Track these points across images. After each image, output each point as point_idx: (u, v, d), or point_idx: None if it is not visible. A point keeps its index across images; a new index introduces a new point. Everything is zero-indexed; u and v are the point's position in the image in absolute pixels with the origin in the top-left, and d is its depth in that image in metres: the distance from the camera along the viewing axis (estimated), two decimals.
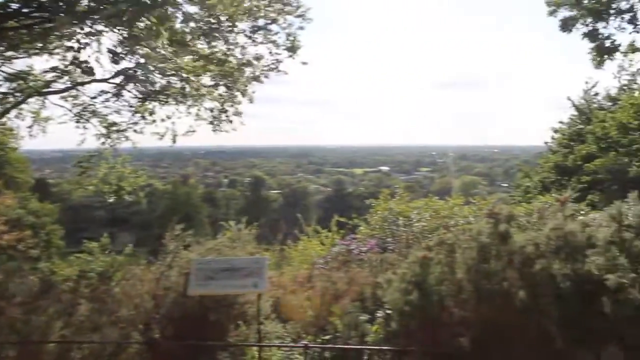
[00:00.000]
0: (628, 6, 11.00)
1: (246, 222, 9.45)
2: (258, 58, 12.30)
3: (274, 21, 11.92)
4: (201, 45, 11.37)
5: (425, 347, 6.34)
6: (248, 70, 12.42)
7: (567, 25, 11.49)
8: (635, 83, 23.78)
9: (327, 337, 7.14)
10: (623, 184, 19.05)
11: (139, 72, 11.61)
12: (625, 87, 25.04)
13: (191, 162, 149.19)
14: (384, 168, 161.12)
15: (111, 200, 14.05)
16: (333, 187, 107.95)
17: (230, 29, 11.37)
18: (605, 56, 11.53)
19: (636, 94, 23.48)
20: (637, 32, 11.17)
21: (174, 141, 12.81)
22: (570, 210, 6.68)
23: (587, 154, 23.14)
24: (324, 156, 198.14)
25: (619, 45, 11.43)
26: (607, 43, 11.41)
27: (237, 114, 13.08)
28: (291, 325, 7.70)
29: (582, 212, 10.52)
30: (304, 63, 12.56)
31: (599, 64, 12.14)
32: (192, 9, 10.69)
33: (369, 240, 11.13)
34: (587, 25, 11.37)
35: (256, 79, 12.58)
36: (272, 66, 12.49)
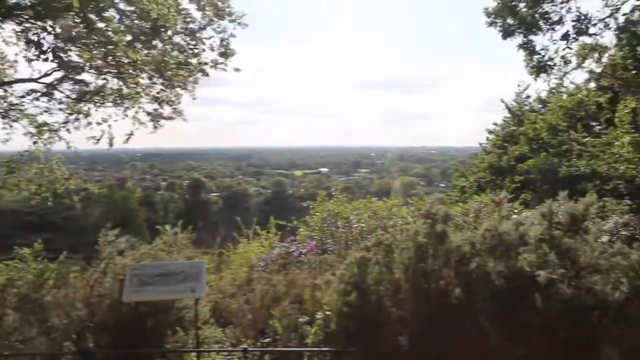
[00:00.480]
0: (557, 18, 11.37)
1: (184, 225, 9.29)
2: (196, 55, 12.11)
3: (208, 25, 11.78)
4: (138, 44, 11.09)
5: (364, 347, 6.39)
6: (186, 69, 12.21)
7: (507, 34, 11.81)
8: (563, 87, 24.74)
9: (267, 340, 7.09)
10: (553, 183, 19.77)
11: (71, 71, 11.24)
12: (554, 91, 26.02)
13: (128, 165, 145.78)
14: (324, 169, 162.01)
15: (34, 202, 13.44)
16: (273, 189, 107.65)
17: (164, 30, 11.14)
18: (541, 71, 11.92)
19: (564, 97, 24.44)
20: (570, 48, 11.56)
21: (111, 145, 12.44)
22: (505, 210, 6.87)
23: (519, 155, 23.91)
24: (264, 158, 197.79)
25: (554, 65, 11.81)
26: (542, 55, 11.79)
27: (177, 112, 12.84)
28: (230, 329, 7.61)
29: (515, 210, 10.86)
30: (237, 70, 12.49)
31: (537, 77, 12.56)
32: (128, 7, 10.49)
33: (308, 242, 11.14)
34: (523, 34, 11.71)
35: (193, 76, 12.37)
36: (210, 65, 12.31)
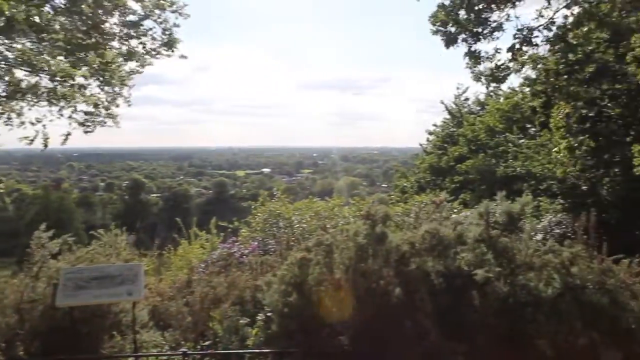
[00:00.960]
0: (496, 25, 11.64)
1: (123, 227, 9.06)
2: (133, 52, 11.78)
3: (148, 16, 11.49)
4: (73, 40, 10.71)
5: (305, 347, 6.38)
6: (124, 66, 11.88)
7: (450, 42, 12.02)
8: (500, 90, 25.52)
9: (207, 342, 7.00)
10: (491, 183, 20.37)
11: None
12: (491, 93, 26.83)
13: (64, 165, 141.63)
14: (266, 170, 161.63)
15: None
16: (215, 189, 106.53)
17: (101, 22, 10.80)
18: (490, 79, 12.21)
19: (501, 100, 25.20)
20: (515, 59, 11.84)
21: (46, 145, 11.93)
22: (445, 210, 7.00)
23: (459, 155, 24.51)
24: (206, 158, 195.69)
25: (500, 76, 12.11)
26: (486, 63, 12.07)
27: (112, 116, 12.41)
28: (170, 332, 7.46)
29: (455, 210, 11.10)
30: (183, 57, 12.18)
31: (488, 85, 12.88)
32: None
33: (250, 243, 11.06)
34: (466, 42, 11.96)
35: (133, 67, 12.03)
36: (150, 57, 11.99)
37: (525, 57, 11.82)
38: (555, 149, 16.42)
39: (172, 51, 11.99)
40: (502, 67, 11.97)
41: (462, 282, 6.20)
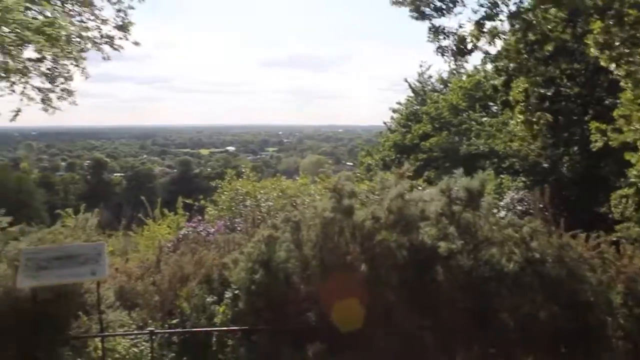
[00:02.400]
0: None
1: (86, 207, 8.94)
2: (86, 29, 11.37)
3: None
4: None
5: (273, 324, 6.44)
6: (78, 43, 11.49)
7: (420, 16, 11.99)
8: (463, 68, 25.72)
9: (175, 321, 7.00)
10: (455, 161, 20.65)
11: None
12: (454, 71, 27.01)
13: (22, 145, 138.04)
14: (231, 148, 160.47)
15: None
16: (179, 168, 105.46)
17: None
18: (454, 53, 12.23)
19: (464, 78, 25.42)
20: (482, 33, 11.86)
21: None
22: (407, 184, 7.07)
23: (423, 133, 24.73)
24: (169, 137, 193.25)
25: (465, 49, 12.12)
26: (451, 38, 12.08)
27: (68, 92, 12.03)
28: (137, 312, 7.43)
29: (419, 187, 11.23)
30: (136, 43, 11.83)
31: (455, 62, 12.90)
32: None
33: (217, 222, 11.04)
34: (429, 17, 11.95)
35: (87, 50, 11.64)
36: (105, 40, 11.63)
37: (487, 30, 11.86)
38: (513, 121, 16.65)
39: (127, 35, 11.64)
40: (466, 39, 12.01)
41: (426, 256, 6.32)
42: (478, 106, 23.34)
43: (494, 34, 11.93)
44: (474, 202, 6.67)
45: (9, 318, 6.55)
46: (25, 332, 6.43)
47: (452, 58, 12.55)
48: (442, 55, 12.50)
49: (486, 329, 6.05)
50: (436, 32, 12.07)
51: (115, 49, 11.58)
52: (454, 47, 12.22)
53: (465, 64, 21.81)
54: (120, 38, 11.53)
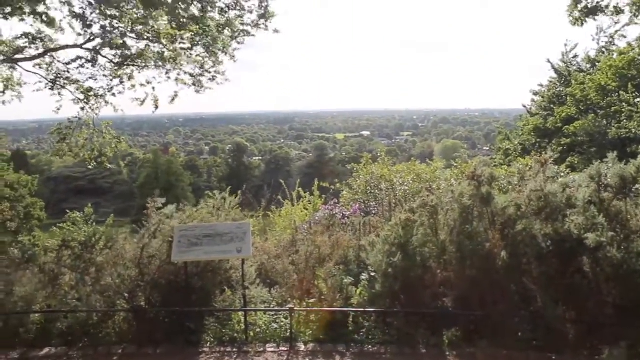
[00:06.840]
0: None
1: (229, 189, 9.40)
2: (237, 17, 12.04)
3: None
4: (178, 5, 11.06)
5: (408, 308, 6.44)
6: (227, 31, 12.17)
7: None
8: (613, 45, 23.82)
9: (312, 300, 7.20)
10: (602, 146, 19.26)
11: (112, 36, 11.31)
12: (603, 49, 25.09)
13: (171, 131, 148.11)
14: (366, 133, 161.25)
15: (91, 166, 13.64)
16: (314, 152, 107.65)
17: None
18: (589, 16, 11.43)
19: (614, 56, 23.54)
20: None
21: (157, 107, 12.48)
22: (550, 171, 6.73)
23: (566, 117, 23.27)
24: (305, 122, 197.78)
25: (606, 5, 11.31)
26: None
27: (219, 72, 12.81)
28: (276, 290, 7.74)
29: (562, 174, 10.64)
30: (276, 31, 12.35)
31: (577, 22, 12.03)
32: None
33: (352, 205, 11.16)
34: None
35: (235, 38, 12.32)
36: (249, 29, 12.24)
37: None
38: None
39: (269, 23, 12.16)
40: (613, 8, 11.15)
41: (572, 246, 5.99)
42: (631, 86, 21.53)
43: None
44: (627, 190, 6.20)
45: (162, 288, 7.10)
46: (176, 302, 6.93)
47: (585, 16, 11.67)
48: (582, 22, 11.66)
49: (636, 325, 5.62)
50: None
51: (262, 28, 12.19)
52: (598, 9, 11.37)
53: (617, 41, 20.26)
54: (264, 24, 12.10)
